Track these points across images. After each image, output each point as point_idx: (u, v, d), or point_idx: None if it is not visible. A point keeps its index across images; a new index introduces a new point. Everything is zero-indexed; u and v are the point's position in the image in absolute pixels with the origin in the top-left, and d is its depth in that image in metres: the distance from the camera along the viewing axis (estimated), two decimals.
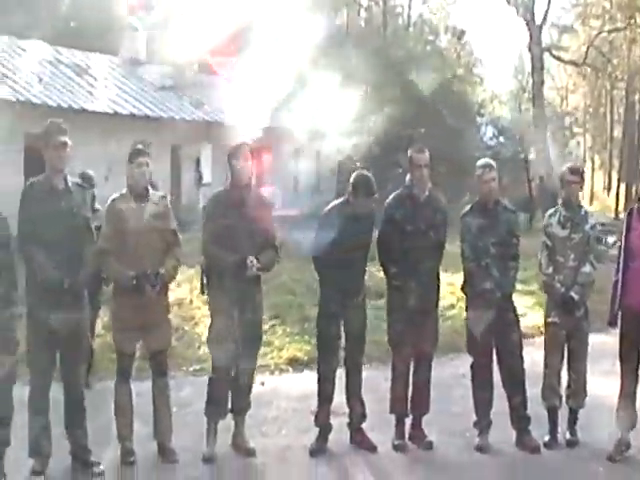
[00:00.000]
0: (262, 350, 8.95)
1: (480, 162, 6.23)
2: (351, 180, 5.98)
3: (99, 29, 27.19)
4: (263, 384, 7.88)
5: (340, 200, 6.12)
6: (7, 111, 16.77)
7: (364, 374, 6.30)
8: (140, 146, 5.90)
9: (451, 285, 9.96)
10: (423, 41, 41.45)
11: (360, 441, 6.10)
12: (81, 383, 5.65)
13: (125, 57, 25.93)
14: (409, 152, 6.16)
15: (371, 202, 5.95)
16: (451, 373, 7.75)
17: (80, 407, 5.56)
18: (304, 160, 29.07)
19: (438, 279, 6.28)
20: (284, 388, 7.88)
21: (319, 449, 6.02)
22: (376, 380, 6.99)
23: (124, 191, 5.81)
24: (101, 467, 5.53)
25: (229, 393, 5.97)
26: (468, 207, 6.26)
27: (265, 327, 10.04)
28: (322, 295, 6.09)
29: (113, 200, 5.78)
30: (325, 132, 22.53)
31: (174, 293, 10.09)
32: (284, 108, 24.57)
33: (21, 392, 5.42)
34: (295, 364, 8.75)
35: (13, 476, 5.23)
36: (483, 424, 6.16)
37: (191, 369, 8.41)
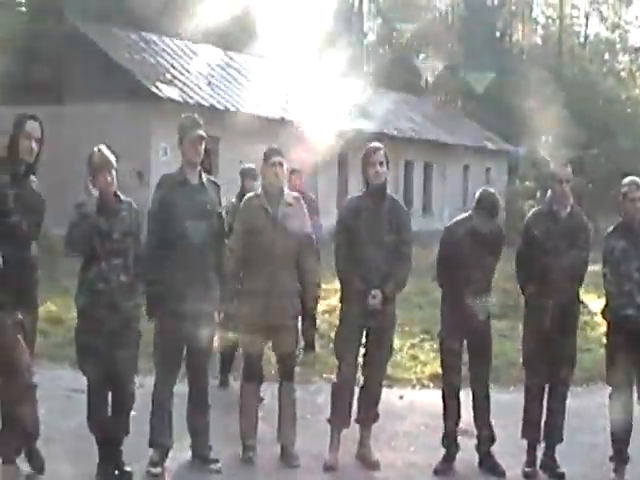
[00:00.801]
0: (407, 364, 9.02)
1: (626, 180, 5.79)
2: (476, 196, 5.78)
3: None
4: (402, 397, 7.73)
5: (464, 216, 5.92)
6: (175, 112, 17.50)
7: (496, 396, 6.06)
8: (275, 146, 5.88)
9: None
10: (599, 60, 40.14)
11: (488, 465, 5.82)
12: (207, 378, 5.70)
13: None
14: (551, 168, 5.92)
15: (494, 222, 5.74)
16: (596, 402, 7.28)
17: (204, 402, 5.61)
18: (473, 178, 28.81)
19: (578, 300, 5.95)
20: (421, 403, 7.67)
21: (444, 469, 5.78)
22: (510, 402, 6.67)
23: (259, 191, 5.82)
24: (219, 465, 5.54)
25: (353, 402, 5.87)
26: (612, 227, 5.85)
27: (414, 341, 10.07)
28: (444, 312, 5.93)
29: (247, 199, 5.80)
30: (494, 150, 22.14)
31: (326, 300, 10.21)
32: (450, 125, 24.49)
33: (141, 381, 5.54)
34: (436, 380, 8.51)
35: (132, 465, 5.31)
36: (619, 459, 5.73)
37: (332, 376, 8.37)
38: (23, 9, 23.72)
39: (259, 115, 20.49)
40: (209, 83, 21.58)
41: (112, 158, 5.19)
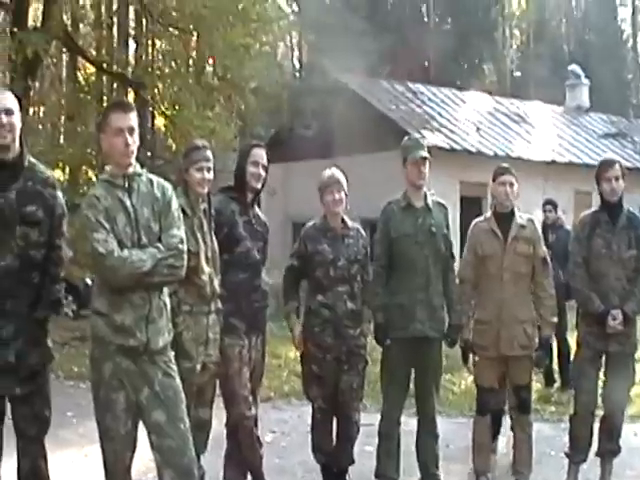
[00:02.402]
0: None
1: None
2: None
3: (541, 79, 27.56)
4: (637, 435, 7.15)
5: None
6: (441, 159, 17.72)
7: None
8: (506, 165, 5.73)
9: None
10: None
11: None
12: (434, 405, 5.58)
13: (568, 105, 25.94)
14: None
15: None
16: None
17: (433, 431, 5.50)
18: None
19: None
20: None
21: None
22: None
23: (488, 214, 5.68)
24: None
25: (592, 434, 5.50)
26: None
27: None
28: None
29: (475, 224, 5.69)
30: None
31: None
32: None
33: None
34: None
35: None
36: None
37: None
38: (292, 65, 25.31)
39: (529, 159, 20.19)
40: (477, 129, 21.59)
41: (342, 179, 5.34)
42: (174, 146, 15.31)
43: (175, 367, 3.95)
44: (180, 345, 4.29)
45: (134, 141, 3.84)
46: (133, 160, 3.89)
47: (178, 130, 14.15)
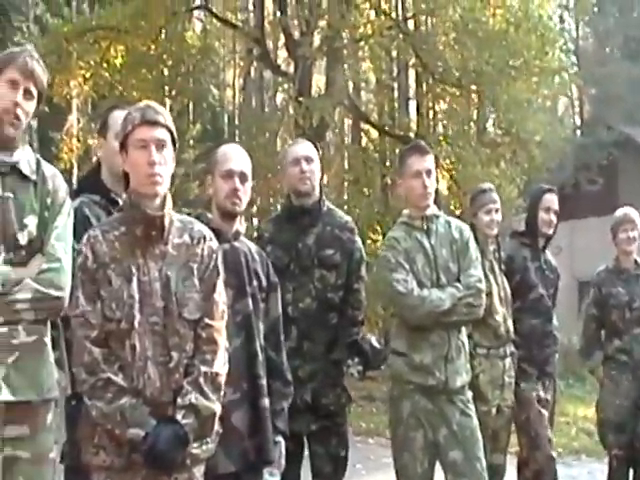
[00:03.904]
0: None
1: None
2: None
3: None
4: None
5: None
6: None
7: None
8: None
9: None
10: None
11: None
12: None
13: None
14: None
15: None
16: None
17: None
18: None
19: None
20: None
21: None
22: None
23: None
24: None
25: None
26: None
27: None
28: None
29: None
30: None
31: None
32: None
33: None
34: None
35: None
36: None
37: None
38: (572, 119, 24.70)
39: None
40: None
41: (637, 218, 5.25)
42: (452, 204, 15.43)
43: (473, 407, 4.01)
44: (477, 388, 4.35)
45: (432, 183, 4.01)
46: (431, 202, 4.06)
47: (462, 189, 14.29)
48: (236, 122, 26.52)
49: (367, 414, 10.27)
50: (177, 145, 2.91)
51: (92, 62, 15.85)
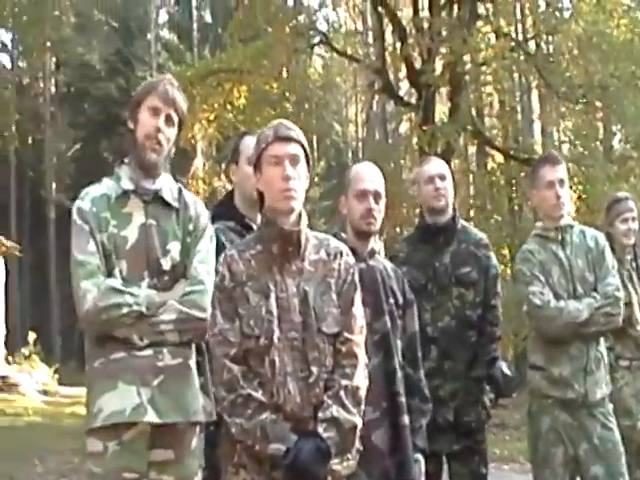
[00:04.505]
0: None
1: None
2: None
3: None
4: None
5: None
6: None
7: None
8: None
9: None
10: None
11: None
12: None
13: None
14: None
15: None
16: None
17: None
18: None
19: None
20: None
21: None
22: None
23: None
24: None
25: None
26: None
27: None
28: None
29: None
30: None
31: None
32: None
33: None
34: None
35: None
36: None
37: None
38: None
39: None
40: None
41: None
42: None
43: (614, 420, 3.89)
44: (620, 401, 4.23)
45: (565, 193, 3.94)
46: (564, 212, 3.97)
47: (590, 208, 13.93)
48: (360, 157, 26.71)
49: (500, 441, 10.15)
50: (311, 162, 2.91)
51: (216, 104, 16.30)
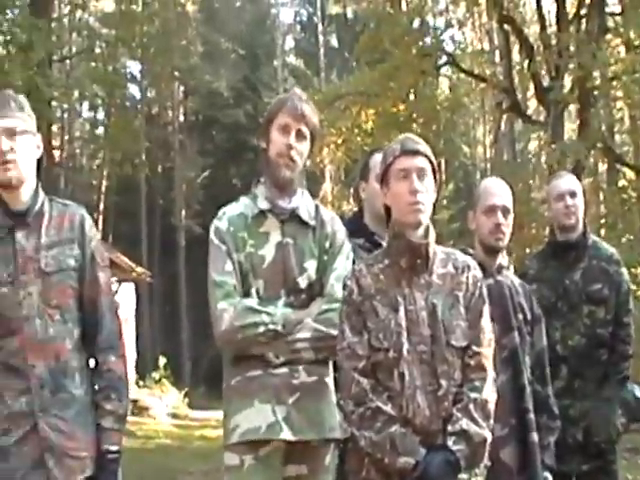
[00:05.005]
0: None
1: None
2: None
3: None
4: None
5: None
6: None
7: None
8: None
9: None
10: None
11: None
12: None
13: None
14: None
15: None
16: None
17: None
18: None
19: None
20: None
21: None
22: None
23: None
24: None
25: None
26: None
27: None
28: None
29: None
30: None
31: None
32: None
33: None
34: None
35: None
36: None
37: None
38: None
39: None
40: None
41: None
42: None
43: None
44: None
45: None
46: None
47: None
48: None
49: (633, 467, 9.78)
50: (438, 176, 2.90)
51: (344, 128, 16.46)
